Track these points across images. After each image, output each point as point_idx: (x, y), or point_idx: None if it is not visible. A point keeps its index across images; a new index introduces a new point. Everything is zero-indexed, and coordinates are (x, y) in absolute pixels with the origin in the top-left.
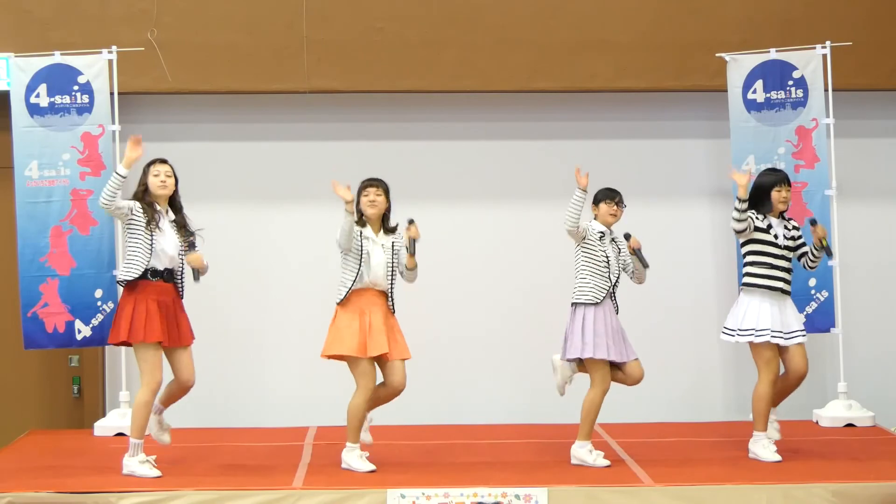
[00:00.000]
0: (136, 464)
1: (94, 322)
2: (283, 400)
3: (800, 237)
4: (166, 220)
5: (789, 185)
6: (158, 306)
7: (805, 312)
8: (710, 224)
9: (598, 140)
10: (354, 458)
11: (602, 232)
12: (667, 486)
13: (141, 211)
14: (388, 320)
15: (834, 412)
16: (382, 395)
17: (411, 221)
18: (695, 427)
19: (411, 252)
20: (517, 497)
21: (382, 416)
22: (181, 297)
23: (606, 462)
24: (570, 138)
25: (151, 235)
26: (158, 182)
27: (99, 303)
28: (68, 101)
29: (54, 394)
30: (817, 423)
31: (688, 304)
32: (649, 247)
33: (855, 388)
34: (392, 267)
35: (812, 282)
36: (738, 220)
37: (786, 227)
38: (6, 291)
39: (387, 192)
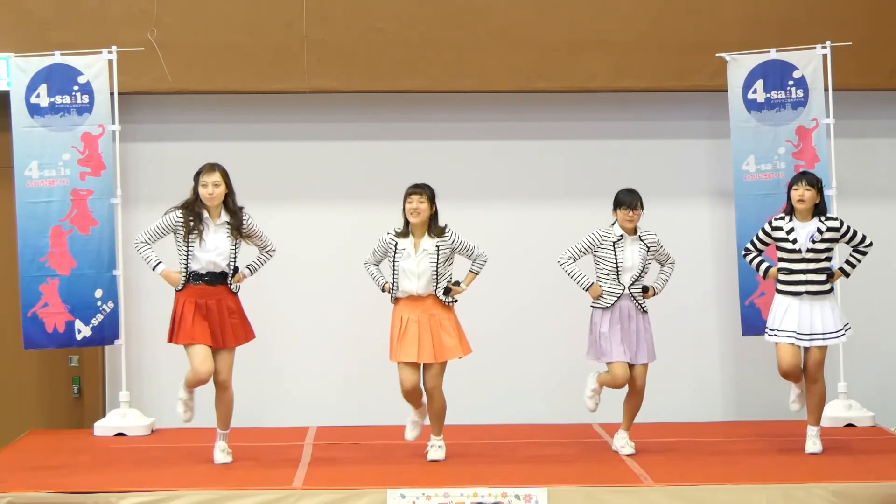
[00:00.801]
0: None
1: (94, 322)
2: (283, 400)
3: (844, 234)
4: (213, 225)
5: (809, 183)
6: (196, 308)
7: None
8: (709, 224)
9: (598, 140)
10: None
11: (621, 235)
12: (667, 486)
13: (181, 221)
14: (433, 321)
15: (834, 412)
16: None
17: (452, 287)
18: (695, 427)
19: (449, 300)
20: (517, 497)
21: (382, 416)
22: (235, 296)
23: (629, 451)
24: (570, 138)
25: (187, 244)
26: (206, 193)
27: (99, 303)
28: (68, 101)
29: (54, 394)
30: None
31: (688, 304)
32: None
33: (855, 388)
34: (436, 272)
35: None
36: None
37: (818, 230)
38: (6, 291)
39: (431, 197)
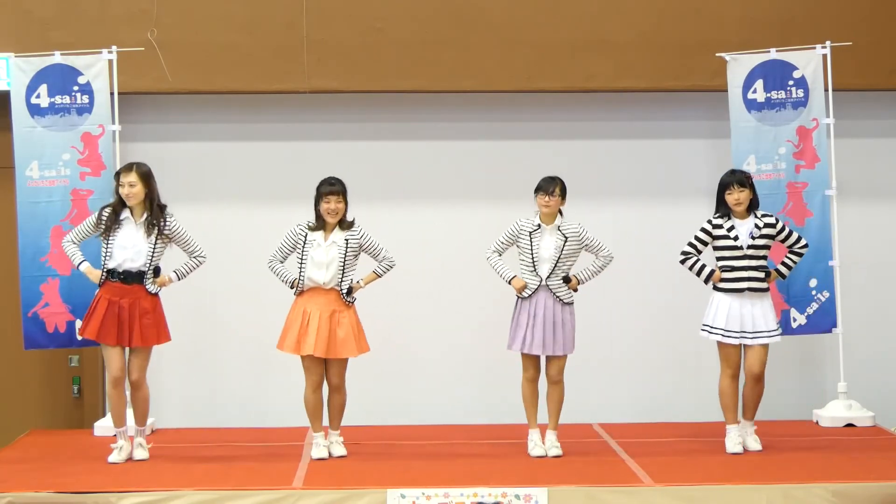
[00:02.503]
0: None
1: None
2: (283, 400)
3: (779, 231)
4: (134, 224)
5: (740, 183)
6: (109, 306)
7: (806, 313)
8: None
9: (598, 140)
10: (313, 446)
11: (538, 224)
12: (667, 486)
13: (103, 220)
14: (335, 317)
15: (834, 412)
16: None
17: (350, 290)
18: (695, 427)
19: (351, 300)
20: (517, 497)
21: (382, 416)
22: (153, 297)
23: (538, 452)
24: (570, 138)
25: (107, 242)
26: (124, 193)
27: None
28: (68, 102)
29: (54, 394)
30: (817, 423)
31: (687, 303)
32: (649, 246)
33: (855, 388)
34: (342, 264)
35: (813, 282)
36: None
37: (756, 226)
38: (7, 291)
39: (344, 193)
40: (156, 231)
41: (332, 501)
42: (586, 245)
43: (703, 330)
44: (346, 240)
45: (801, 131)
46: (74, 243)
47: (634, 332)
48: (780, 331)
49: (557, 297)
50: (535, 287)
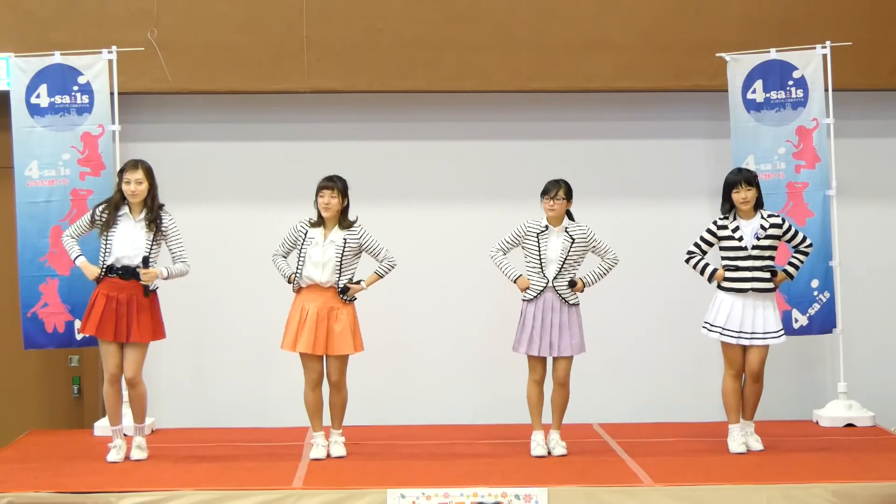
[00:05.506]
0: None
1: None
2: (283, 400)
3: (786, 231)
4: (132, 221)
5: (748, 182)
6: (107, 301)
7: (808, 314)
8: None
9: (598, 140)
10: (312, 446)
11: (546, 226)
12: (667, 486)
13: (99, 216)
14: (333, 313)
15: (834, 412)
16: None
17: (350, 285)
18: (695, 427)
19: (347, 298)
20: (517, 497)
21: (382, 416)
22: (148, 294)
23: (540, 452)
24: (570, 138)
25: (105, 238)
26: (129, 191)
27: None
28: (68, 102)
29: (54, 394)
30: (817, 423)
31: (687, 303)
32: (649, 246)
33: (855, 388)
34: (339, 264)
35: (814, 283)
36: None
37: (762, 226)
38: (6, 291)
39: (343, 191)
40: (154, 228)
41: (332, 501)
42: (593, 247)
43: (703, 327)
44: (345, 239)
45: (802, 131)
46: (73, 238)
47: (634, 332)
48: (782, 332)
49: (563, 298)
50: (541, 288)
